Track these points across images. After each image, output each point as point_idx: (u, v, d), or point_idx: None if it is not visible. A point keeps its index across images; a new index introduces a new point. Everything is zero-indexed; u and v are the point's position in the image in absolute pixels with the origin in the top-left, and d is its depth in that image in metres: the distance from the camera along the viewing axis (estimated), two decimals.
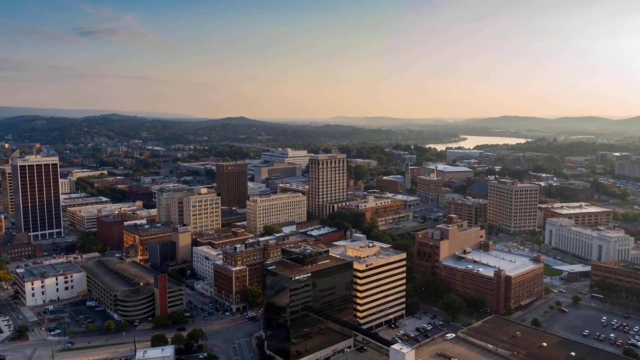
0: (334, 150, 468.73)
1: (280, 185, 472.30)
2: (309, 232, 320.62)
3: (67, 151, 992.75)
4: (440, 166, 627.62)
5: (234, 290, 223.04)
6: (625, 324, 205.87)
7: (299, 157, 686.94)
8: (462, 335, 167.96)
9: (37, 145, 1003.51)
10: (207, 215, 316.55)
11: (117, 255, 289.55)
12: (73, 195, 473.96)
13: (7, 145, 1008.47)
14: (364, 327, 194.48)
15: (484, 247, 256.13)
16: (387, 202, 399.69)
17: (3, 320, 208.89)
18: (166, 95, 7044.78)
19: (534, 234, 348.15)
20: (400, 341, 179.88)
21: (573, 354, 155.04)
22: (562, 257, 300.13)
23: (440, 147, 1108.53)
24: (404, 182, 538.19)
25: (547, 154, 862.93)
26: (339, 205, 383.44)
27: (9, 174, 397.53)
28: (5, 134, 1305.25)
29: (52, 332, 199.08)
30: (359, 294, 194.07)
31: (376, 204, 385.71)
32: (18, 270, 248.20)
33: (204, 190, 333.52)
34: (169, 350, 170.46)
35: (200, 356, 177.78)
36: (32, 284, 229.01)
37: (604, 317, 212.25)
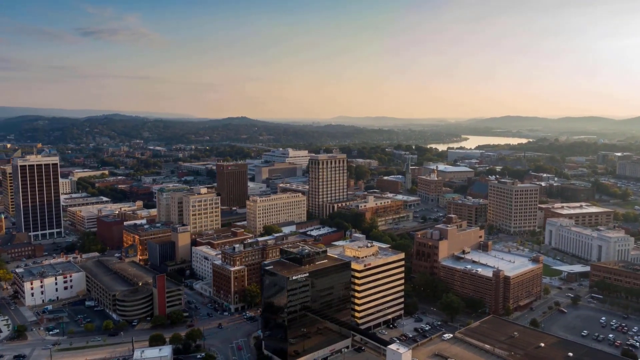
0: (335, 150, 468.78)
1: (281, 185, 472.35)
2: (308, 232, 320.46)
3: (69, 151, 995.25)
4: (441, 166, 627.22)
5: (232, 290, 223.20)
6: (624, 324, 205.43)
7: (299, 157, 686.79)
8: (459, 336, 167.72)
9: (39, 145, 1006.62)
10: (206, 215, 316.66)
11: (117, 255, 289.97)
12: (74, 195, 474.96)
13: (9, 145, 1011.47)
14: (362, 327, 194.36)
15: (483, 248, 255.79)
16: (387, 202, 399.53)
17: (2, 320, 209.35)
18: (168, 95, 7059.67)
19: (534, 234, 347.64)
20: (398, 341, 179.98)
21: (570, 354, 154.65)
22: (562, 258, 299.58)
23: (441, 147, 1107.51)
24: (404, 182, 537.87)
25: (549, 154, 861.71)
26: (339, 205, 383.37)
27: (9, 173, 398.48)
28: (8, 134, 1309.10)
29: (50, 332, 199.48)
30: (357, 294, 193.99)
31: (376, 204, 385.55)
32: (17, 270, 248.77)
33: (203, 190, 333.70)
34: (166, 350, 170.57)
35: (198, 356, 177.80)
36: (31, 284, 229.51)
37: (603, 318, 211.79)
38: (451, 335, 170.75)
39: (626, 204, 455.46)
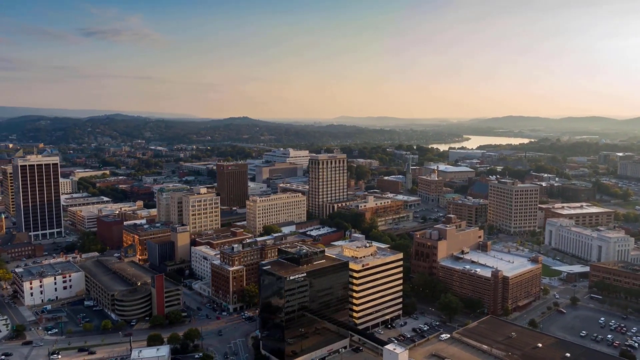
0: (336, 151, 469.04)
1: (281, 185, 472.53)
2: (308, 232, 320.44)
3: (71, 151, 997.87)
4: (442, 166, 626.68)
5: (231, 290, 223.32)
6: (623, 325, 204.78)
7: (300, 157, 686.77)
8: (457, 336, 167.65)
9: (41, 145, 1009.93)
10: (206, 215, 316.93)
11: (116, 255, 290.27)
12: (75, 195, 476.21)
13: (11, 145, 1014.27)
14: (360, 327, 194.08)
15: (482, 248, 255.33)
16: (387, 202, 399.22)
17: (1, 320, 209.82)
18: (170, 95, 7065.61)
19: (534, 234, 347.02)
20: (395, 341, 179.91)
21: (568, 354, 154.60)
22: (562, 258, 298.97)
23: (443, 147, 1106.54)
24: (405, 183, 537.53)
25: (550, 154, 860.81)
26: (339, 205, 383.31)
27: (10, 173, 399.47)
28: (10, 134, 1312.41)
29: (49, 332, 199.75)
30: (355, 294, 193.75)
31: (376, 204, 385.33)
32: (17, 270, 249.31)
33: (203, 190, 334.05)
34: (164, 350, 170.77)
35: (196, 356, 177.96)
36: (31, 284, 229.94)
37: (602, 318, 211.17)
38: (448, 335, 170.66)
39: (627, 204, 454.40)
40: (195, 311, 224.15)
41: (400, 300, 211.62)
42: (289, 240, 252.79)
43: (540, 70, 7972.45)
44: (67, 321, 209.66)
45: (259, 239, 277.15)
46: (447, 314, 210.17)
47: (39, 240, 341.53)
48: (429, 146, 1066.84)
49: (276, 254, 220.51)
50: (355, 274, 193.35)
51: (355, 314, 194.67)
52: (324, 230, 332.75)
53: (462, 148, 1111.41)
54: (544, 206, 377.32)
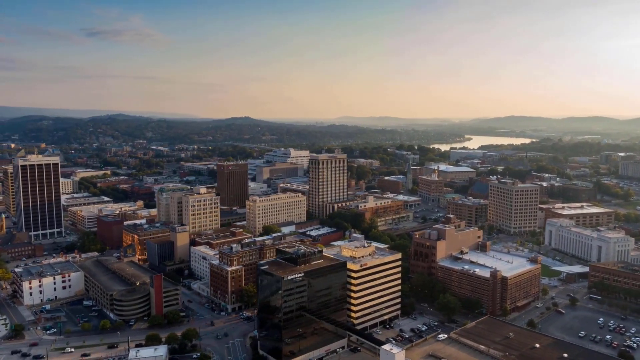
0: (337, 151, 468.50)
1: (281, 185, 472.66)
2: (308, 232, 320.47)
3: (73, 151, 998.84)
4: (443, 166, 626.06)
5: (229, 290, 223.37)
6: (622, 325, 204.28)
7: (301, 157, 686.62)
8: (454, 336, 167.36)
9: (43, 145, 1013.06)
10: (206, 215, 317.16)
11: (115, 254, 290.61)
12: (75, 195, 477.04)
13: (13, 145, 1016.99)
14: (358, 327, 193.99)
15: (481, 248, 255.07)
16: (387, 202, 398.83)
17: (0, 319, 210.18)
18: (172, 96, 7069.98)
19: (534, 234, 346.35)
20: (393, 342, 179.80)
21: (565, 355, 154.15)
22: (562, 258, 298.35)
23: (444, 148, 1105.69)
24: (405, 183, 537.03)
25: (552, 154, 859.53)
26: (339, 205, 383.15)
27: (11, 173, 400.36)
28: (12, 134, 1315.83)
29: (48, 331, 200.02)
30: (353, 294, 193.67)
31: (376, 204, 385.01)
32: (16, 270, 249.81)
33: (203, 190, 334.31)
34: (161, 350, 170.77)
35: (194, 356, 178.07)
36: (30, 283, 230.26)
37: (601, 319, 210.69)
38: (446, 335, 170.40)
39: (628, 205, 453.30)
40: (193, 311, 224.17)
41: (399, 300, 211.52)
42: (288, 240, 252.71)
43: (542, 70, 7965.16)
44: (65, 321, 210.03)
45: (258, 239, 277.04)
46: (446, 314, 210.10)
47: (39, 240, 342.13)
48: (430, 146, 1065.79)
49: (275, 254, 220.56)
50: (353, 274, 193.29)
51: (353, 314, 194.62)
52: (324, 230, 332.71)
53: (464, 148, 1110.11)
54: (544, 206, 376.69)
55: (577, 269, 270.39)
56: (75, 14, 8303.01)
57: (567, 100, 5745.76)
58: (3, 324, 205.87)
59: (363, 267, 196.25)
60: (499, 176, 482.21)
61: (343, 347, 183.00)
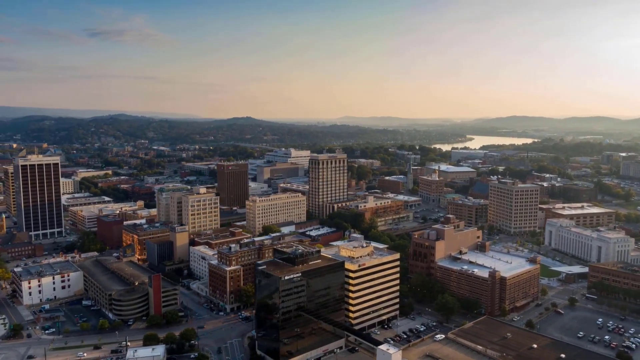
0: (338, 151, 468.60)
1: (282, 185, 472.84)
2: (307, 233, 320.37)
3: (74, 151, 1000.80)
4: (443, 166, 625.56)
5: (228, 290, 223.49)
6: (621, 326, 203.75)
7: (302, 157, 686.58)
8: (452, 337, 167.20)
9: (45, 145, 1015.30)
10: (205, 215, 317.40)
11: (115, 254, 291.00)
12: (76, 195, 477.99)
13: (15, 145, 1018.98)
14: (357, 327, 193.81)
15: (480, 248, 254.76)
16: (388, 202, 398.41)
17: None
18: (172, 96, 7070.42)
19: (534, 234, 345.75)
20: (391, 342, 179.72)
21: (563, 355, 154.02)
22: (562, 259, 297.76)
23: (446, 148, 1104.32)
24: (406, 183, 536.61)
25: (553, 154, 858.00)
26: (339, 205, 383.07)
27: (11, 173, 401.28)
28: (14, 134, 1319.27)
29: (46, 331, 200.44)
30: (351, 294, 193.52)
31: (376, 204, 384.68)
32: (16, 269, 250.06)
33: (202, 190, 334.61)
34: (159, 350, 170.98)
35: (192, 356, 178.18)
36: (29, 283, 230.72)
37: (600, 319, 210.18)
38: (443, 336, 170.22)
39: (629, 205, 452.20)
40: (192, 311, 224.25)
41: (397, 300, 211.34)
42: (287, 240, 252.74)
43: (543, 71, 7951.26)
44: (64, 320, 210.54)
45: (257, 239, 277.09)
46: (444, 314, 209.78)
47: (39, 240, 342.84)
48: (432, 146, 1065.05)
49: (273, 254, 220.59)
50: (351, 274, 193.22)
51: (351, 314, 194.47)
52: (324, 230, 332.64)
53: (465, 148, 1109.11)
54: (544, 206, 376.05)
55: (576, 269, 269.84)
56: (75, 13, 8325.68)
57: (567, 100, 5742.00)
58: (2, 324, 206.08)
59: (361, 267, 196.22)
60: (499, 176, 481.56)
61: (341, 347, 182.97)
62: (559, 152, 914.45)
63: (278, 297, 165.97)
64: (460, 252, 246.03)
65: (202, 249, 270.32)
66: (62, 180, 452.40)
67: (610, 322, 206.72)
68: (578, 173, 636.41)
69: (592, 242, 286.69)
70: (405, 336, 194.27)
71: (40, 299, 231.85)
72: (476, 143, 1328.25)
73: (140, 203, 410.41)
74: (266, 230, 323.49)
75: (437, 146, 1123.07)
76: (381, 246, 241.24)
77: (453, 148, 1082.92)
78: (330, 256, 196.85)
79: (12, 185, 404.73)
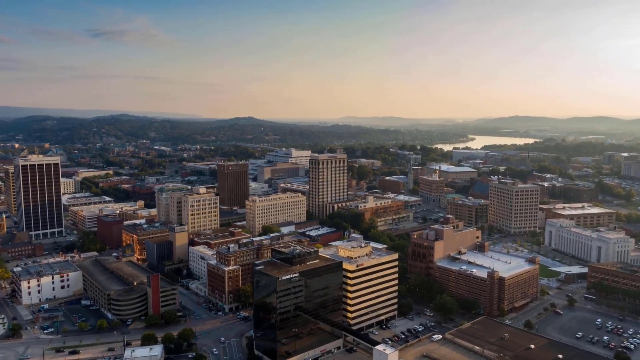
0: (339, 151, 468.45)
1: (282, 185, 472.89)
2: (307, 233, 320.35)
3: (76, 151, 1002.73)
4: (444, 166, 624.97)
5: (226, 290, 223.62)
6: (620, 326, 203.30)
7: (303, 157, 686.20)
8: (449, 337, 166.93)
9: (47, 145, 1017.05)
10: (205, 215, 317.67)
11: (114, 254, 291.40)
12: (77, 195, 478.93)
13: (17, 145, 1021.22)
14: (355, 327, 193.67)
15: (479, 248, 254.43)
16: (388, 202, 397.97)
17: None
18: (172, 96, 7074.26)
19: (534, 235, 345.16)
20: (389, 342, 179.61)
21: (560, 356, 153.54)
22: (562, 259, 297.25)
23: (448, 148, 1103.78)
24: (406, 183, 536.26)
25: (554, 155, 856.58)
26: (339, 205, 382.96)
27: (12, 173, 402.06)
28: (17, 134, 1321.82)
29: (45, 331, 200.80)
30: (349, 294, 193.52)
31: (376, 204, 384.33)
32: (15, 269, 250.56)
33: (202, 190, 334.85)
34: (157, 350, 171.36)
35: (189, 356, 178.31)
36: (28, 283, 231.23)
37: (599, 320, 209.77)
38: (441, 336, 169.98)
39: (630, 205, 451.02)
40: (190, 311, 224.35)
41: (396, 300, 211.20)
42: (286, 240, 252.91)
43: (544, 71, 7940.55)
44: (63, 320, 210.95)
45: (256, 239, 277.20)
46: (443, 314, 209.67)
47: (39, 239, 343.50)
48: (433, 146, 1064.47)
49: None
50: (349, 274, 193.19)
51: (349, 314, 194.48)
52: (323, 230, 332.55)
53: (467, 148, 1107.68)
54: (544, 207, 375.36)
55: (576, 269, 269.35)
56: (76, 14, 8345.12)
57: (568, 100, 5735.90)
58: (1, 323, 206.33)
59: (359, 268, 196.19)
60: (500, 176, 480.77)
61: (339, 348, 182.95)
62: (560, 152, 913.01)
63: (275, 297, 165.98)
64: (459, 253, 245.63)
65: (202, 249, 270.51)
66: (63, 180, 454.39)
67: (609, 323, 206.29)
68: (579, 173, 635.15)
69: (591, 243, 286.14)
70: (403, 336, 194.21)
71: (40, 299, 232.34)
72: (478, 143, 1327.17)
73: (141, 203, 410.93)
74: (266, 230, 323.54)
75: (439, 146, 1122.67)
76: (380, 246, 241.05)
77: (454, 148, 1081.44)
78: (328, 256, 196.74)
79: (13, 185, 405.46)
